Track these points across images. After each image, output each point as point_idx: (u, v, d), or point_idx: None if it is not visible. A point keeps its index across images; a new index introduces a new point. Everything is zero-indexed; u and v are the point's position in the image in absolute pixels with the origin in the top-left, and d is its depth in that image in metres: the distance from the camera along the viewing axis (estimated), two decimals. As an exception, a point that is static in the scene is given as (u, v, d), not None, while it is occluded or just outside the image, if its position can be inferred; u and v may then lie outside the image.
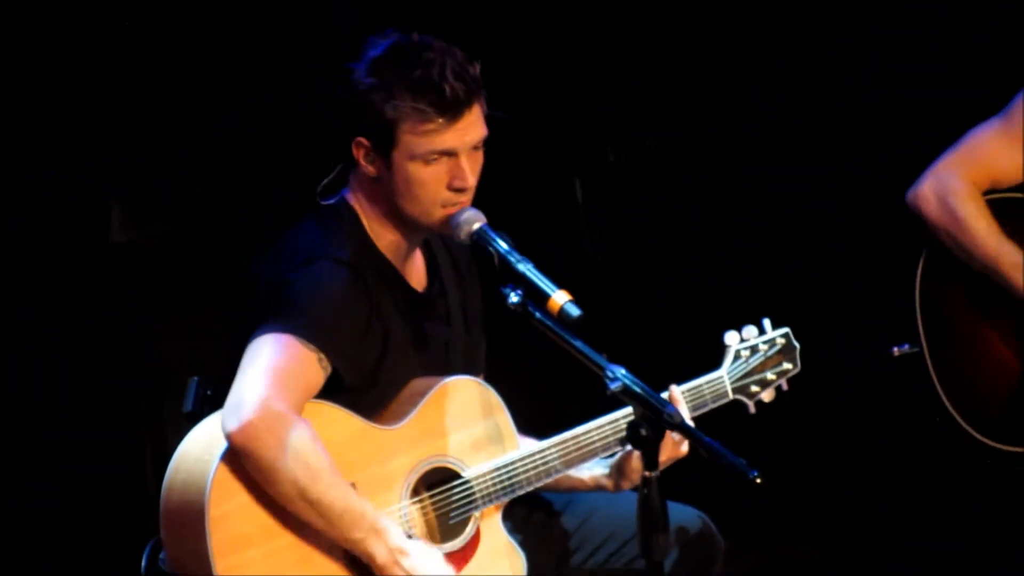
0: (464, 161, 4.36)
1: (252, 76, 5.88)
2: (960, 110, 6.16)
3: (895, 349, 5.54)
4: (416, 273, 4.57)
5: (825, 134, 6.55)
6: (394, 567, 4.22)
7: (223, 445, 4.16)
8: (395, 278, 4.48)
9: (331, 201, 4.49)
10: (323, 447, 4.18)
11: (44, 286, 5.73)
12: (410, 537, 4.27)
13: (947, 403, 5.49)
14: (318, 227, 4.44)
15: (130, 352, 5.83)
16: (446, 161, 4.36)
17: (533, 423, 4.61)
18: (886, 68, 6.46)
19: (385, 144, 4.35)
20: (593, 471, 4.61)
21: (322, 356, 4.25)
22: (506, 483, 4.45)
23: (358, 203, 4.47)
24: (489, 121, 4.39)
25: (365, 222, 4.47)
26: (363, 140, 4.39)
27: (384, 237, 4.47)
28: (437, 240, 4.63)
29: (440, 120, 4.32)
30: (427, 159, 4.34)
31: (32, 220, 5.69)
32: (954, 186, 5.49)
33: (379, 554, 4.21)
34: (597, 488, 4.61)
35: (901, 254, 5.61)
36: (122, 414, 5.83)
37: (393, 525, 4.24)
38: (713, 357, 4.73)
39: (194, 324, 5.82)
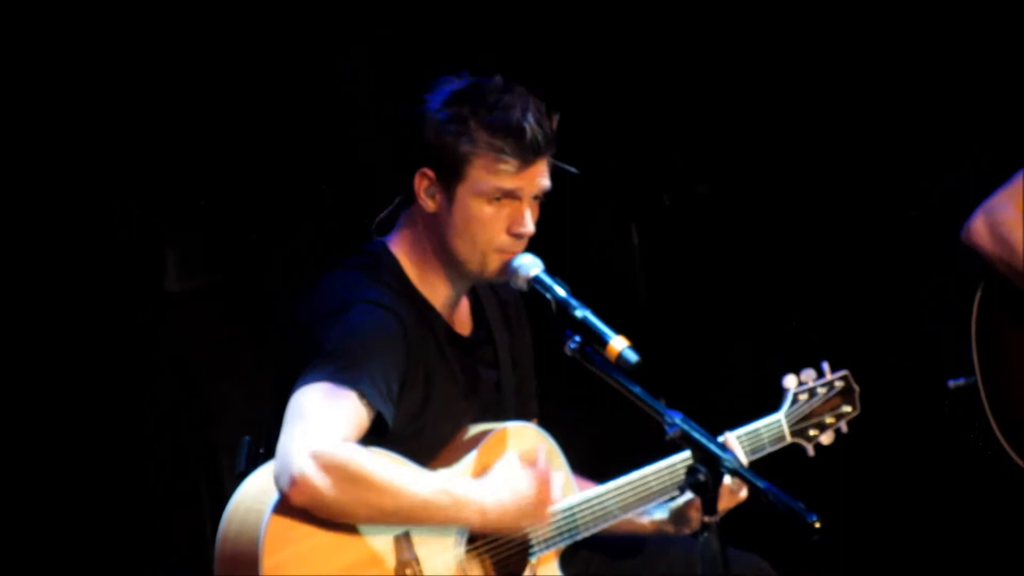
0: (526, 207, 4.34)
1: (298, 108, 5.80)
2: (961, 111, 6.18)
3: (951, 383, 5.53)
4: (461, 318, 4.53)
5: (874, 163, 6.51)
6: (490, 527, 4.23)
7: (275, 495, 4.10)
8: (438, 322, 4.42)
9: (375, 244, 4.44)
10: (372, 454, 4.13)
11: (91, 320, 5.63)
12: None
13: (1000, 436, 5.49)
14: (353, 272, 4.38)
15: (185, 390, 5.76)
16: (508, 203, 4.34)
17: (586, 466, 4.58)
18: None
19: (451, 177, 4.32)
20: (653, 516, 4.59)
21: (362, 394, 4.19)
22: (563, 528, 4.42)
23: (402, 249, 4.43)
24: (560, 173, 4.35)
25: (408, 267, 4.41)
26: (428, 171, 4.35)
27: (428, 282, 4.42)
28: (483, 284, 4.56)
29: (515, 162, 4.31)
30: (492, 198, 4.32)
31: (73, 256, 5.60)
32: (1005, 215, 5.49)
33: (473, 522, 4.22)
34: (658, 532, 4.59)
35: (956, 288, 5.60)
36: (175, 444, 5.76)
37: (467, 485, 4.22)
38: (771, 399, 4.72)
39: (246, 361, 5.75)
